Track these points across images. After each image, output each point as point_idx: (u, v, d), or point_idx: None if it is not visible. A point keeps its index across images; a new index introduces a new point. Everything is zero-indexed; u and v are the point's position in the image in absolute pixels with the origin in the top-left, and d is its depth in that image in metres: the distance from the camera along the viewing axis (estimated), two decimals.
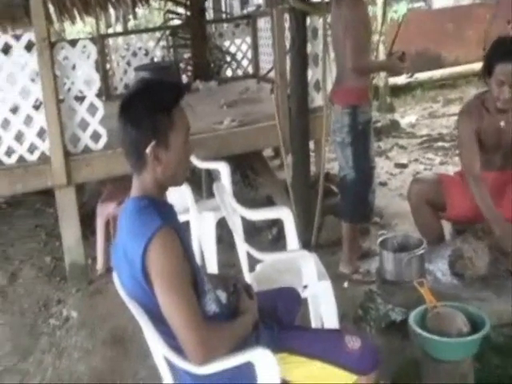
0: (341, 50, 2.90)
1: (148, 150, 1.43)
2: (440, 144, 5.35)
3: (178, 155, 1.47)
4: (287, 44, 3.61)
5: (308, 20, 3.57)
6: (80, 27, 10.84)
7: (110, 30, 10.42)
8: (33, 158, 3.46)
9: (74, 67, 3.58)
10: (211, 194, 3.40)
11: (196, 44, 5.96)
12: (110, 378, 2.41)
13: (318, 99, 3.77)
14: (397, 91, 7.51)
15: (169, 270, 1.38)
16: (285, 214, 2.50)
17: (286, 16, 3.66)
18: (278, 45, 3.67)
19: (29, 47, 3.34)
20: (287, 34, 3.64)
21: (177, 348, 1.44)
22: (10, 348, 2.77)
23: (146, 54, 6.18)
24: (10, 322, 3.03)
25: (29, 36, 3.32)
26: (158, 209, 1.45)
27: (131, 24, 11.01)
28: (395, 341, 2.18)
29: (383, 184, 4.35)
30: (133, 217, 1.46)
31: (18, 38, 3.36)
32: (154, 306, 1.41)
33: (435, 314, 1.85)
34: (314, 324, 2.17)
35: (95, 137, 3.51)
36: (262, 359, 1.47)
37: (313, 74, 3.75)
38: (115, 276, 1.54)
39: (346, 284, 2.85)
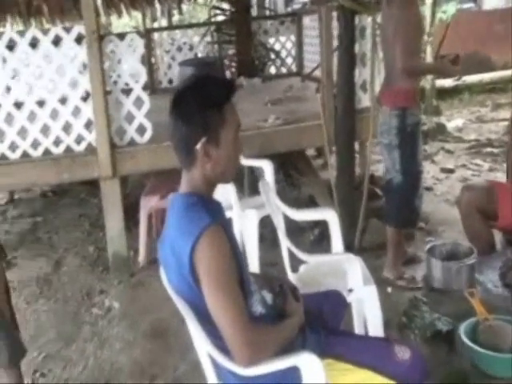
0: (391, 50, 2.82)
1: (198, 147, 1.41)
2: (489, 150, 5.18)
3: (228, 152, 1.45)
4: (334, 43, 3.56)
5: (356, 19, 3.50)
6: (125, 21, 11.00)
7: (155, 25, 10.54)
8: (80, 148, 3.53)
9: (119, 61, 3.63)
10: (253, 192, 3.39)
11: (240, 40, 5.97)
12: (151, 371, 2.43)
13: (364, 100, 3.70)
14: (443, 94, 7.31)
15: (216, 269, 1.36)
16: (330, 216, 2.46)
17: (333, 14, 3.60)
18: (325, 43, 3.62)
19: (78, 40, 3.40)
20: (334, 33, 3.59)
21: (222, 348, 1.43)
22: (54, 335, 2.82)
23: (191, 49, 6.23)
24: (53, 308, 3.09)
25: (79, 29, 3.37)
26: (206, 206, 1.44)
27: (175, 19, 11.12)
28: (440, 352, 2.12)
29: (429, 189, 4.23)
30: (181, 213, 1.45)
31: (68, 30, 3.42)
32: (201, 303, 1.40)
33: (487, 327, 1.79)
34: (357, 329, 2.12)
35: (141, 130, 3.55)
36: (308, 364, 1.44)
37: (360, 74, 3.68)
38: (162, 272, 1.54)
39: (389, 289, 2.78)
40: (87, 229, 4.17)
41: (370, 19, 3.45)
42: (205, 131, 1.41)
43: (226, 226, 1.48)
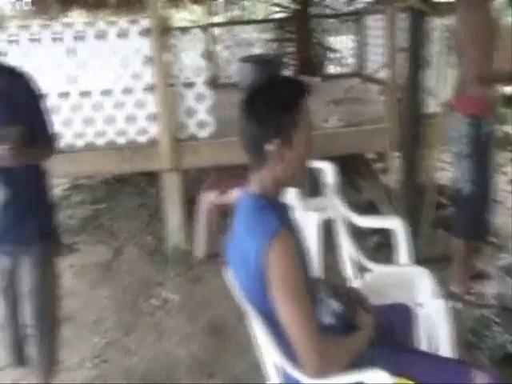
0: (463, 55, 2.71)
1: (270, 148, 1.39)
2: None
3: (299, 154, 1.42)
4: (399, 44, 3.46)
5: (426, 21, 3.38)
6: (184, 15, 11.11)
7: (214, 20, 10.58)
8: (142, 140, 3.59)
9: (181, 55, 3.66)
10: (313, 194, 3.35)
11: (301, 38, 5.93)
12: (208, 368, 2.43)
13: (432, 104, 3.58)
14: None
15: (286, 275, 1.34)
16: (397, 225, 2.40)
17: (400, 15, 3.50)
18: (391, 45, 3.53)
19: (143, 32, 3.45)
20: (399, 34, 3.49)
21: (285, 351, 1.40)
22: (114, 322, 2.87)
23: (250, 45, 6.23)
24: (113, 296, 3.14)
25: (144, 22, 3.43)
26: (275, 209, 1.42)
27: (234, 15, 11.16)
28: (509, 377, 2.01)
29: (498, 201, 4.04)
30: (250, 215, 1.43)
31: (133, 23, 3.48)
32: (266, 305, 1.38)
33: None
34: (423, 347, 2.05)
35: (202, 125, 3.57)
36: (379, 382, 1.39)
37: (428, 78, 3.56)
38: (227, 270, 1.53)
39: (456, 305, 2.67)
40: (146, 219, 4.22)
41: (439, 21, 3.33)
42: (277, 133, 1.39)
43: (294, 230, 1.46)
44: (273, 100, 1.40)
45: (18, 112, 1.91)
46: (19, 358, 2.09)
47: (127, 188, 4.94)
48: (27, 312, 2.00)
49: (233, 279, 1.49)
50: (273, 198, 1.45)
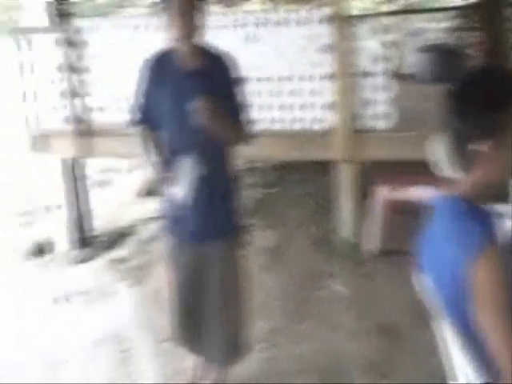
0: None
1: (480, 149, 1.22)
2: None
3: (510, 158, 1.23)
4: None
5: None
6: (356, 3, 10.93)
7: (385, 8, 10.24)
8: (317, 128, 3.56)
9: (359, 43, 3.54)
10: (500, 199, 3.02)
11: (489, 28, 5.39)
12: (381, 367, 2.34)
13: None
14: None
15: (494, 300, 1.18)
16: None
17: None
18: None
19: (323, 20, 3.41)
20: None
21: (480, 367, 1.24)
22: (279, 309, 2.88)
23: (427, 34, 5.88)
24: (279, 282, 3.17)
25: (324, 10, 3.40)
26: (481, 219, 1.25)
27: (408, 3, 10.68)
28: None
29: None
30: (451, 221, 1.29)
31: (313, 10, 3.48)
32: (463, 316, 1.23)
33: None
34: None
35: (381, 116, 3.43)
36: None
37: None
38: (421, 274, 1.41)
39: None
40: (314, 208, 4.21)
41: None
42: (490, 133, 1.21)
43: (498, 242, 1.28)
44: (488, 94, 1.23)
45: (216, 92, 1.94)
46: (185, 340, 2.14)
47: (297, 175, 4.99)
48: (212, 304, 2.02)
49: (424, 283, 1.39)
50: (475, 205, 1.30)
